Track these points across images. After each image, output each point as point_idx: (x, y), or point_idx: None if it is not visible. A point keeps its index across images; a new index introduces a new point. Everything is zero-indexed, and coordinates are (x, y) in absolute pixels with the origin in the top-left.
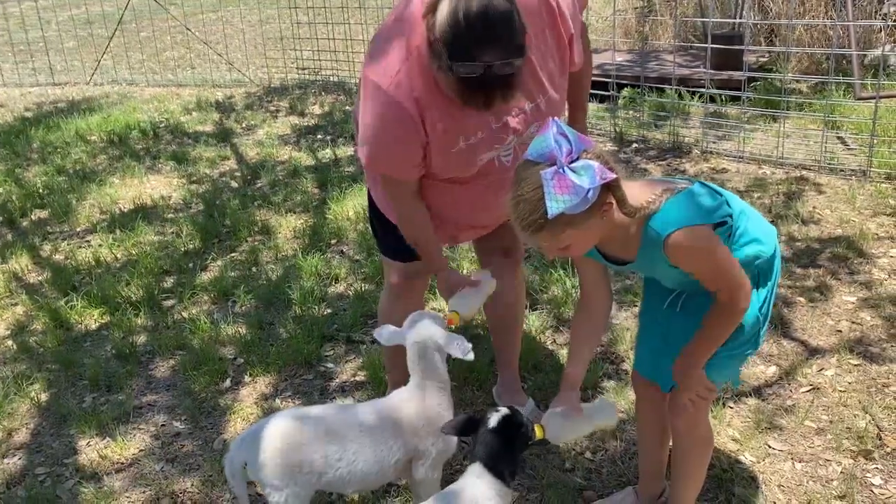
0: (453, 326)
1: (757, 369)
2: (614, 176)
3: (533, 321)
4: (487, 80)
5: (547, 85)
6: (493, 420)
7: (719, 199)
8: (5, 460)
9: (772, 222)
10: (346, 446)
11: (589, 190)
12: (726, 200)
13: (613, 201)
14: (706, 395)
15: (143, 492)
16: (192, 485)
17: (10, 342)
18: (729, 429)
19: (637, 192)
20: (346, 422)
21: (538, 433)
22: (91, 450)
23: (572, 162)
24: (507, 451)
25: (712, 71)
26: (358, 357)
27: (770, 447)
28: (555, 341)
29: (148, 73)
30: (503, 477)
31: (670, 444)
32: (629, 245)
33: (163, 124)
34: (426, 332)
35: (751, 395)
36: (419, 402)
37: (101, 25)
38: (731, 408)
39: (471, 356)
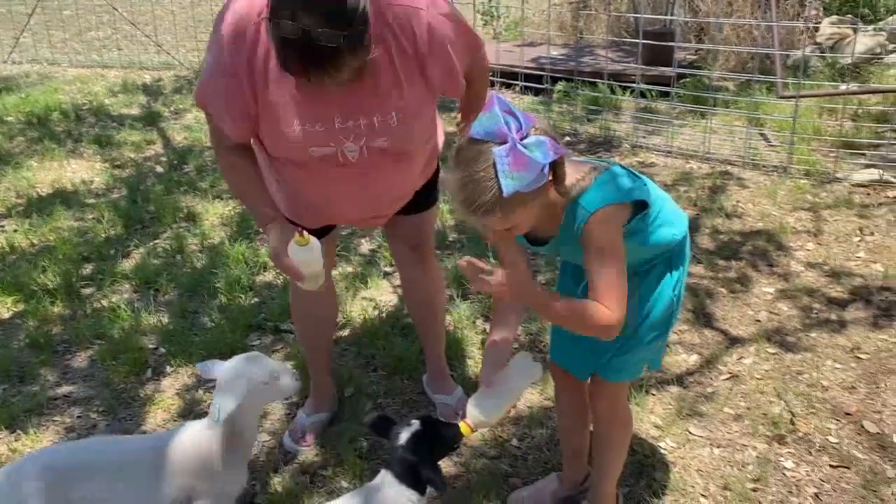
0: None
1: (679, 357)
2: (564, 151)
3: (464, 310)
4: (305, 48)
5: (405, 103)
6: (404, 436)
7: (637, 180)
8: None
9: (697, 215)
10: (114, 483)
11: (544, 166)
12: (644, 182)
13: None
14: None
15: None
16: None
17: None
18: (651, 415)
19: (567, 171)
20: (114, 457)
21: (465, 430)
22: (0, 444)
23: (523, 139)
24: (419, 464)
25: (643, 66)
26: (286, 347)
27: (690, 433)
28: (485, 330)
29: (71, 52)
30: (416, 485)
31: (591, 429)
32: (553, 223)
33: (86, 106)
34: (231, 374)
35: (673, 382)
36: (204, 443)
37: (20, 1)
38: (654, 395)
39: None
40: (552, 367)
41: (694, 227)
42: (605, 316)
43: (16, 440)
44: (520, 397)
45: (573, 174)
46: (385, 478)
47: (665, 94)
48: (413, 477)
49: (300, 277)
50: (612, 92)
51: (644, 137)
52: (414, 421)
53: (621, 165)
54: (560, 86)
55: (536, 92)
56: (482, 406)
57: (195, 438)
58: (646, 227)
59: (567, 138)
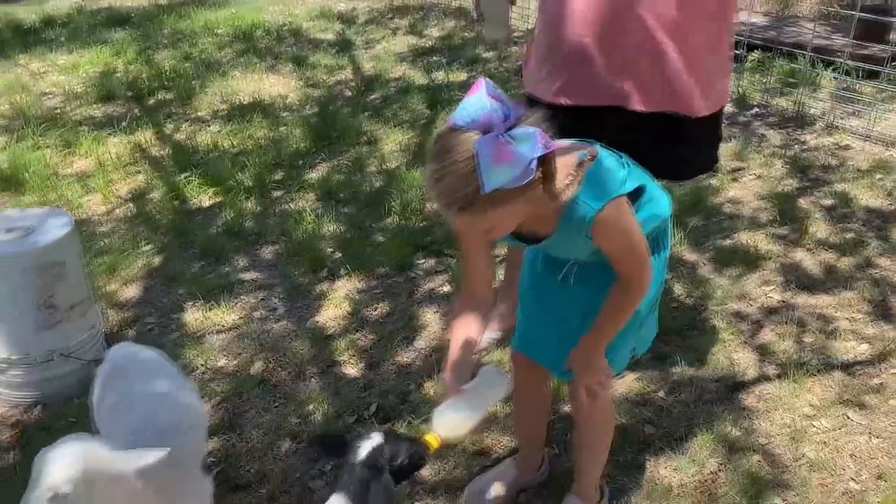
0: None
1: (848, 344)
2: (556, 146)
3: None
4: None
5: None
6: (364, 452)
7: (622, 160)
8: (120, 309)
9: (892, 206)
10: None
11: (532, 160)
12: (628, 162)
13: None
14: (605, 383)
15: (239, 354)
16: (284, 355)
17: (131, 205)
18: (809, 394)
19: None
20: None
21: (433, 443)
22: (196, 310)
23: (510, 129)
24: (381, 491)
25: (855, 42)
26: (447, 271)
27: (848, 418)
28: None
29: None
30: None
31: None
32: (547, 221)
33: (286, 27)
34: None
35: (837, 367)
36: None
37: None
38: (815, 376)
39: None
40: (515, 357)
41: (889, 219)
42: (638, 293)
43: (209, 310)
44: (485, 413)
45: (563, 170)
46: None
47: (874, 75)
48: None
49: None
50: (813, 66)
51: (842, 118)
52: (374, 434)
53: (602, 145)
54: (756, 54)
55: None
56: (452, 418)
57: None
58: (640, 207)
59: (756, 109)
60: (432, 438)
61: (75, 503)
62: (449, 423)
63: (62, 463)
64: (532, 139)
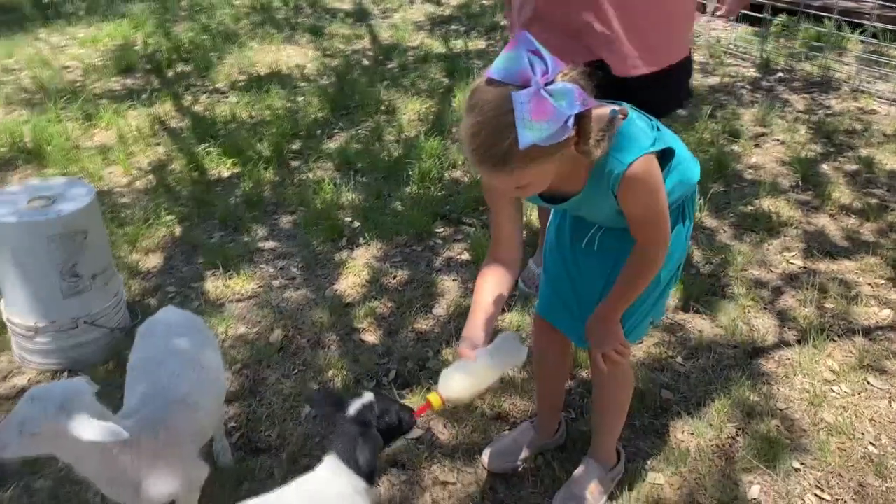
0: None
1: (870, 310)
2: (595, 103)
3: None
4: None
5: None
6: (354, 408)
7: (652, 122)
8: (142, 278)
9: None
10: None
11: (569, 117)
12: (658, 125)
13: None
14: (622, 351)
15: (259, 322)
16: (304, 322)
17: (151, 176)
18: (829, 360)
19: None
20: None
21: (435, 402)
22: (216, 279)
23: (548, 84)
24: (369, 445)
25: (882, 2)
26: (466, 239)
27: (869, 383)
28: None
29: None
30: (365, 474)
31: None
32: (576, 180)
33: None
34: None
35: (858, 332)
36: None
37: None
38: (835, 341)
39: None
40: (538, 321)
41: None
42: (657, 262)
43: (229, 279)
44: (495, 379)
45: (594, 126)
46: (329, 463)
47: None
48: (362, 465)
49: None
50: (839, 30)
51: (868, 83)
52: (366, 392)
53: (631, 106)
54: (781, 18)
55: (753, 22)
56: (459, 381)
57: None
58: (668, 171)
59: (780, 74)
60: (434, 398)
61: (42, 443)
62: (455, 385)
63: (38, 405)
64: (570, 95)
